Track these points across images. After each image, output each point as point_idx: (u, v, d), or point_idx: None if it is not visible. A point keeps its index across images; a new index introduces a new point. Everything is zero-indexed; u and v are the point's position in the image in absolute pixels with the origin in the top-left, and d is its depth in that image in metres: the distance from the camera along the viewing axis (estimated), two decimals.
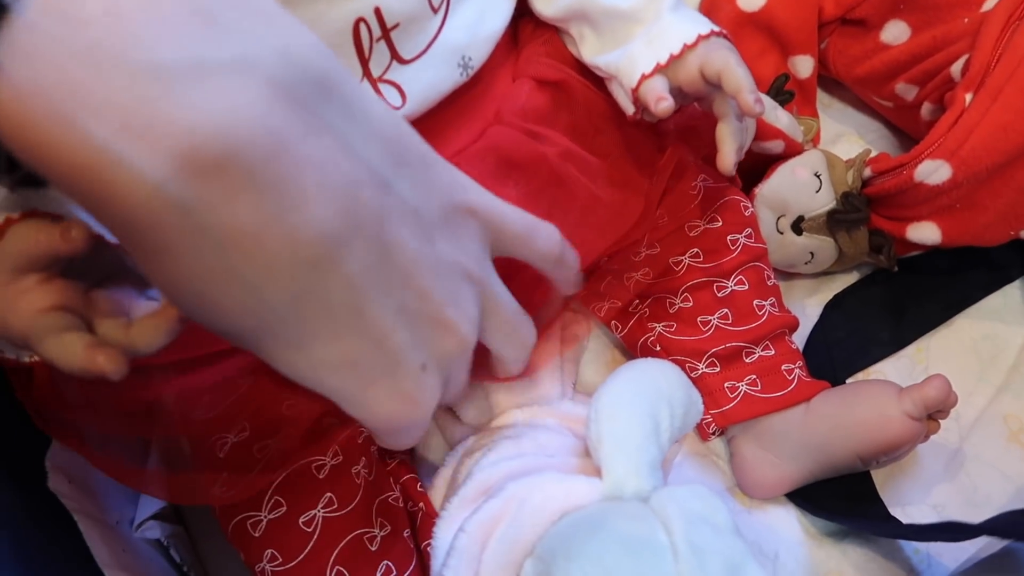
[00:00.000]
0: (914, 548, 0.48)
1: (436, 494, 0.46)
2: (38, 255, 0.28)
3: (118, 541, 0.40)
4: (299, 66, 0.23)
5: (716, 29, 0.45)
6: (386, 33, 0.40)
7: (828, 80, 0.65)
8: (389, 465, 0.48)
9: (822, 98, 0.66)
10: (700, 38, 0.43)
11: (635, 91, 0.44)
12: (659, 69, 0.43)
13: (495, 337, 0.33)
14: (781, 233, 0.55)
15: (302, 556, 0.41)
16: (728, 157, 0.45)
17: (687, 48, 0.43)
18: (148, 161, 0.20)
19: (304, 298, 0.24)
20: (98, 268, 0.31)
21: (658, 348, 0.52)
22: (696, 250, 0.51)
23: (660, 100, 0.42)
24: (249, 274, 0.23)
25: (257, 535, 0.41)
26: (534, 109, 0.48)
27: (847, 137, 0.65)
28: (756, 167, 0.56)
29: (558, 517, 0.37)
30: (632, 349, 0.54)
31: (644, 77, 0.43)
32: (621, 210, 0.47)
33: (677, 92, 0.44)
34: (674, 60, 0.43)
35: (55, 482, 0.37)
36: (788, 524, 0.49)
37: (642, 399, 0.41)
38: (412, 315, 0.27)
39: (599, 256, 0.48)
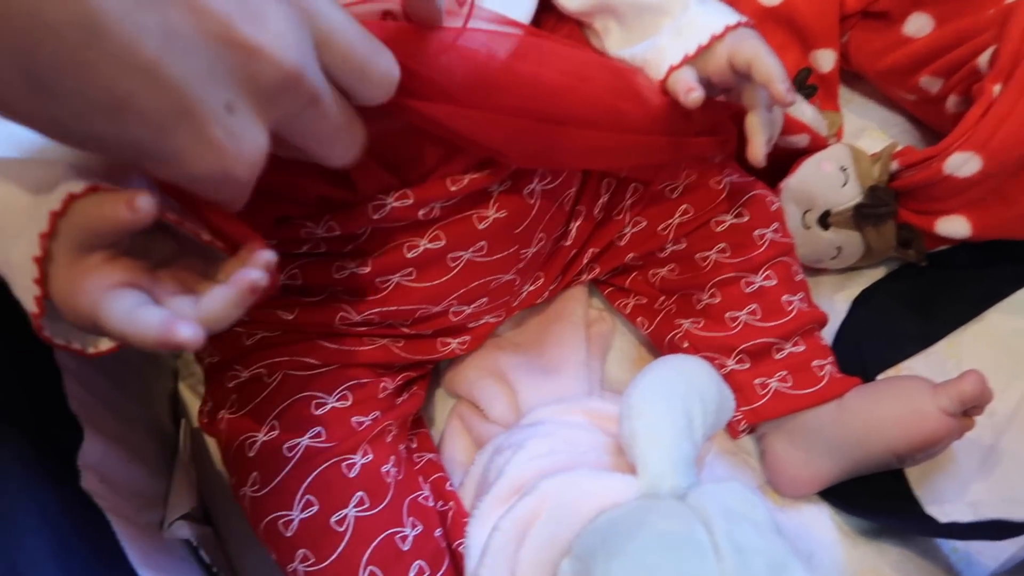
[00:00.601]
0: (952, 547, 0.47)
1: (466, 493, 0.46)
2: (103, 230, 0.27)
3: (149, 541, 0.40)
4: None
5: (744, 19, 0.44)
6: None
7: (848, 74, 0.65)
8: (417, 464, 0.48)
9: (843, 93, 0.66)
10: (728, 28, 0.43)
11: (663, 83, 0.44)
12: (688, 60, 0.43)
13: (343, 74, 0.30)
14: (808, 228, 0.55)
15: (335, 556, 0.40)
16: (759, 148, 0.44)
17: (715, 39, 0.43)
18: None
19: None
20: (162, 247, 0.30)
21: (686, 344, 0.52)
22: (723, 245, 0.51)
23: (690, 91, 0.41)
24: None
25: (289, 535, 0.41)
26: None
27: (869, 132, 0.65)
28: (781, 162, 0.56)
29: (595, 515, 0.37)
30: (659, 346, 0.54)
31: (672, 68, 0.43)
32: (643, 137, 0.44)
33: (705, 83, 0.44)
34: (703, 51, 0.43)
35: (87, 481, 0.37)
36: (822, 523, 0.48)
37: (675, 395, 0.40)
38: (187, 39, 0.24)
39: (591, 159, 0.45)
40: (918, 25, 0.58)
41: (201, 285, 0.30)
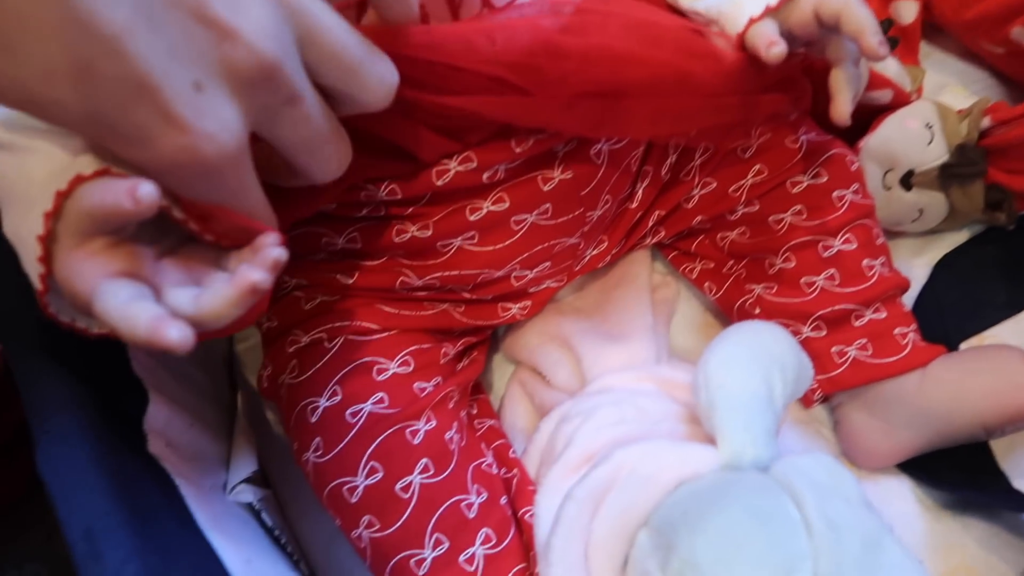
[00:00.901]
0: None
1: (530, 461, 0.44)
2: (105, 216, 0.26)
3: (214, 504, 0.39)
4: None
5: None
6: None
7: (927, 27, 0.61)
8: (479, 431, 0.46)
9: (921, 47, 0.62)
10: None
11: (742, 36, 0.41)
12: (769, 12, 0.40)
13: (332, 77, 0.29)
14: (888, 189, 0.52)
15: (400, 523, 0.39)
16: (844, 106, 0.41)
17: None
18: None
19: None
20: (170, 236, 0.29)
21: (757, 311, 0.49)
22: (799, 207, 0.48)
23: (772, 44, 0.39)
24: None
25: (353, 501, 0.40)
26: None
27: (950, 88, 0.61)
28: (860, 119, 0.52)
29: (673, 487, 0.35)
30: (727, 312, 0.52)
31: (753, 21, 0.40)
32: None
33: (787, 36, 0.41)
34: (785, 2, 0.40)
35: (154, 446, 0.36)
36: (902, 496, 0.46)
37: (754, 363, 0.38)
38: (159, 13, 0.24)
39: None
40: None
41: (210, 275, 0.29)
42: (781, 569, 0.30)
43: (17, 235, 0.28)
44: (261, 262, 0.28)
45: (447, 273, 0.44)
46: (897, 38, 0.56)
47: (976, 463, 0.46)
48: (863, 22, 0.38)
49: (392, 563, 0.39)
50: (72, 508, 0.29)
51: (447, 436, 0.42)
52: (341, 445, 0.41)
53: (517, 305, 0.49)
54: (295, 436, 0.43)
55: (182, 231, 0.30)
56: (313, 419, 0.42)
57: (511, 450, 0.46)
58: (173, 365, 0.44)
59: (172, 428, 0.39)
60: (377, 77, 0.31)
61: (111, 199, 0.26)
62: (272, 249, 0.28)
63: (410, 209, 0.42)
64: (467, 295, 0.46)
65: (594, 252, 0.50)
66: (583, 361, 0.47)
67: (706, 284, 0.52)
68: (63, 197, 0.27)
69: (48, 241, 0.27)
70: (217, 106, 0.25)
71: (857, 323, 0.47)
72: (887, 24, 0.55)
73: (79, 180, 0.27)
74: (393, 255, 0.44)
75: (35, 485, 0.30)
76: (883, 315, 0.47)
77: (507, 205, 0.42)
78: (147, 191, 0.25)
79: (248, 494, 0.43)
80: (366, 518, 0.40)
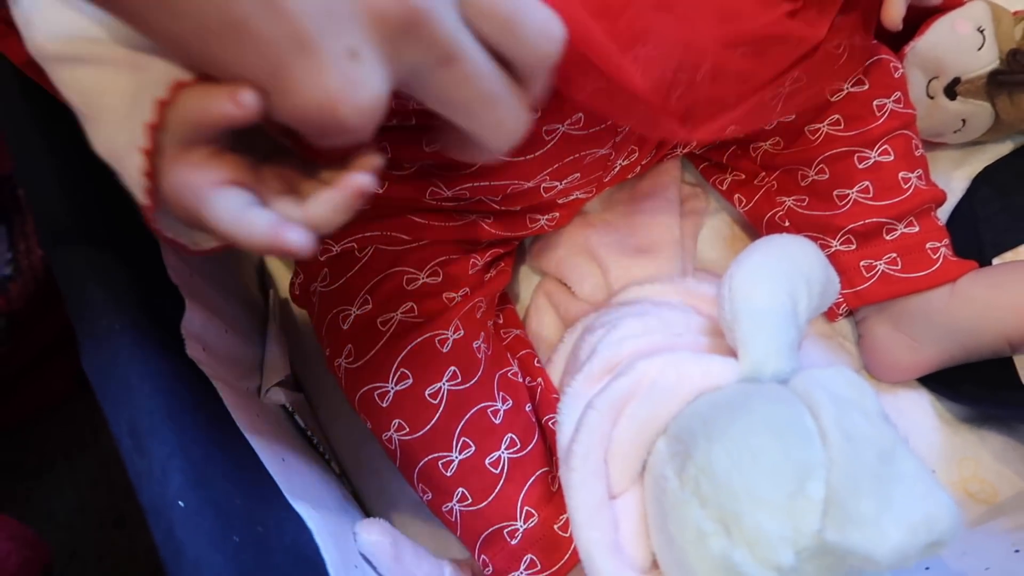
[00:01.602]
0: None
1: (554, 370, 0.45)
2: (210, 122, 0.25)
3: (250, 407, 0.41)
4: None
5: None
6: None
7: None
8: (505, 340, 0.47)
9: None
10: None
11: None
12: None
13: (490, 32, 0.26)
14: (931, 97, 0.50)
15: (429, 426, 0.41)
16: (896, 8, 0.40)
17: None
18: None
19: None
20: (264, 143, 0.29)
21: (787, 224, 0.49)
22: (837, 116, 0.47)
23: None
24: None
25: (384, 405, 0.41)
26: None
27: None
28: (909, 21, 0.50)
29: (693, 397, 0.36)
30: (756, 225, 0.51)
31: None
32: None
33: None
34: None
35: (191, 349, 0.37)
36: (921, 408, 0.47)
37: (780, 277, 0.38)
38: None
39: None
40: None
41: (305, 184, 0.29)
42: (795, 478, 0.31)
43: (112, 150, 0.28)
44: (364, 165, 0.27)
45: (477, 184, 0.44)
46: None
47: (999, 378, 0.46)
48: None
49: (421, 464, 0.41)
50: (117, 406, 0.31)
51: (475, 345, 0.43)
52: (372, 352, 0.42)
53: (545, 216, 0.49)
54: (327, 343, 0.44)
55: (271, 142, 0.29)
56: (345, 326, 0.43)
57: (536, 359, 0.47)
58: (207, 272, 0.45)
59: (208, 333, 0.40)
60: (536, 26, 0.27)
61: (215, 105, 0.25)
62: (371, 155, 0.28)
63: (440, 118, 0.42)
64: (496, 206, 0.46)
65: (624, 163, 0.49)
66: (609, 273, 0.47)
67: (736, 196, 0.52)
68: (165, 106, 0.26)
69: (152, 154, 0.26)
70: (369, 73, 0.24)
71: (888, 237, 0.46)
72: None
73: (180, 87, 0.26)
74: (423, 165, 0.44)
75: (83, 383, 0.32)
76: (915, 229, 0.46)
77: (538, 114, 0.42)
78: (248, 97, 0.24)
79: (281, 396, 0.45)
80: (396, 422, 0.41)
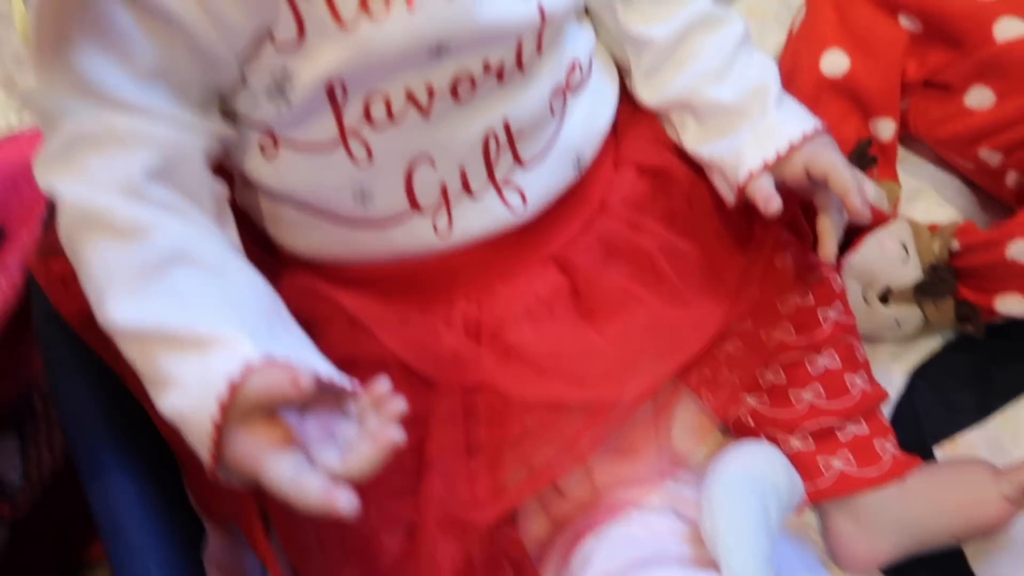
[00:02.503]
0: None
1: (546, 573, 0.48)
2: (271, 401, 0.30)
3: None
4: None
5: (819, 126, 0.46)
6: (511, 141, 0.42)
7: (902, 136, 0.66)
8: (498, 544, 0.50)
9: (899, 151, 0.67)
10: (805, 138, 0.45)
11: (742, 188, 0.45)
12: (767, 168, 0.45)
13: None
14: (868, 303, 0.57)
15: None
16: (831, 247, 0.46)
17: (793, 148, 0.45)
18: None
19: None
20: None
21: (750, 421, 0.54)
22: (788, 325, 0.53)
23: (769, 200, 0.43)
24: None
25: None
26: (635, 197, 0.49)
27: (925, 194, 0.66)
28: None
29: None
30: (722, 419, 0.56)
31: (752, 175, 0.45)
32: (709, 307, 0.49)
33: (780, 186, 0.45)
34: (781, 160, 0.45)
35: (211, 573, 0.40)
36: None
37: (754, 491, 0.43)
38: None
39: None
40: (980, 98, 0.59)
41: (340, 425, 0.33)
42: None
43: (180, 414, 0.32)
44: (389, 416, 0.32)
45: None
46: (876, 156, 0.60)
47: (952, 567, 0.50)
48: (847, 184, 0.43)
49: None
50: None
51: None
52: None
53: None
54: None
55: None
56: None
57: (527, 559, 0.50)
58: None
59: (225, 557, 0.42)
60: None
61: (277, 387, 0.30)
62: (394, 402, 0.32)
63: None
64: None
65: None
66: (596, 476, 0.51)
67: (702, 391, 0.57)
68: (236, 388, 0.30)
69: (222, 427, 0.31)
70: None
71: (841, 436, 0.51)
72: (866, 143, 0.60)
73: (249, 371, 0.31)
74: None
75: None
76: (864, 429, 0.51)
77: None
78: (306, 379, 0.29)
79: None
80: None
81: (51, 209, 0.41)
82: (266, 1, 0.34)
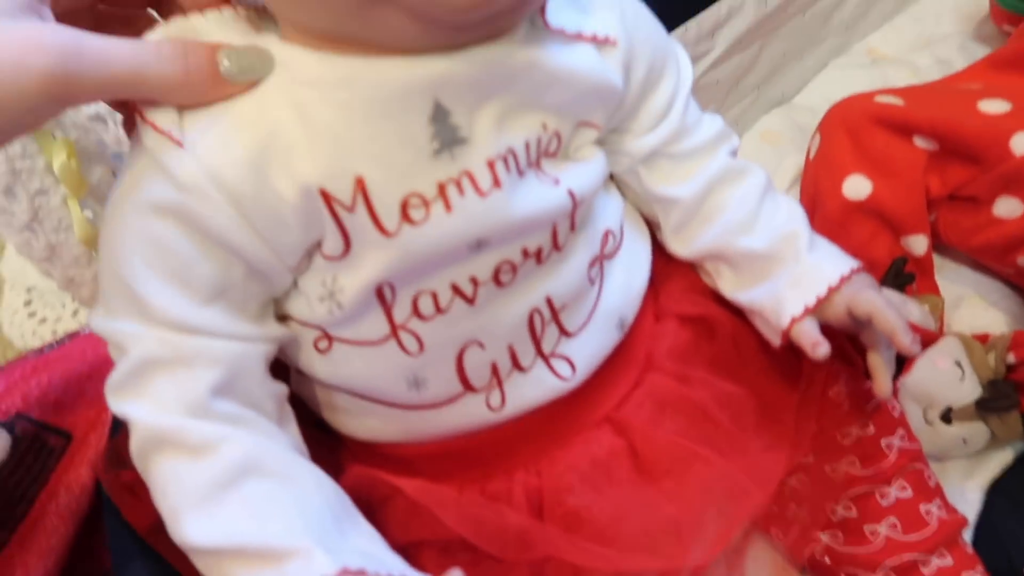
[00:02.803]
0: None
1: None
2: None
3: None
4: None
5: (855, 266, 0.46)
6: (555, 315, 0.43)
7: (937, 246, 0.66)
8: None
9: (935, 260, 0.67)
10: (843, 279, 0.45)
11: (786, 332, 0.46)
12: (808, 312, 0.45)
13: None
14: (931, 424, 0.55)
15: None
16: (885, 385, 0.46)
17: (832, 290, 0.45)
18: None
19: None
20: None
21: (827, 560, 0.52)
22: (852, 457, 0.52)
23: (816, 345, 0.44)
24: None
25: None
26: (680, 348, 0.50)
27: (968, 300, 0.65)
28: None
29: None
30: (796, 557, 0.54)
31: (795, 320, 0.45)
32: (770, 452, 0.48)
33: (824, 327, 0.46)
34: (821, 302, 0.45)
35: None
36: None
37: None
38: None
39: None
40: (1008, 208, 0.59)
41: None
42: None
43: None
44: None
45: None
46: (913, 274, 0.61)
47: None
48: (893, 323, 0.43)
49: None
50: None
51: None
52: None
53: None
54: None
55: None
56: None
57: None
58: None
59: None
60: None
61: None
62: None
63: None
64: None
65: None
66: None
67: (772, 530, 0.55)
68: None
69: None
70: None
71: (925, 571, 0.49)
72: (902, 261, 0.61)
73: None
74: None
75: None
76: (949, 561, 0.49)
77: None
78: None
79: None
80: None
81: (116, 419, 0.43)
82: (315, 222, 0.36)
